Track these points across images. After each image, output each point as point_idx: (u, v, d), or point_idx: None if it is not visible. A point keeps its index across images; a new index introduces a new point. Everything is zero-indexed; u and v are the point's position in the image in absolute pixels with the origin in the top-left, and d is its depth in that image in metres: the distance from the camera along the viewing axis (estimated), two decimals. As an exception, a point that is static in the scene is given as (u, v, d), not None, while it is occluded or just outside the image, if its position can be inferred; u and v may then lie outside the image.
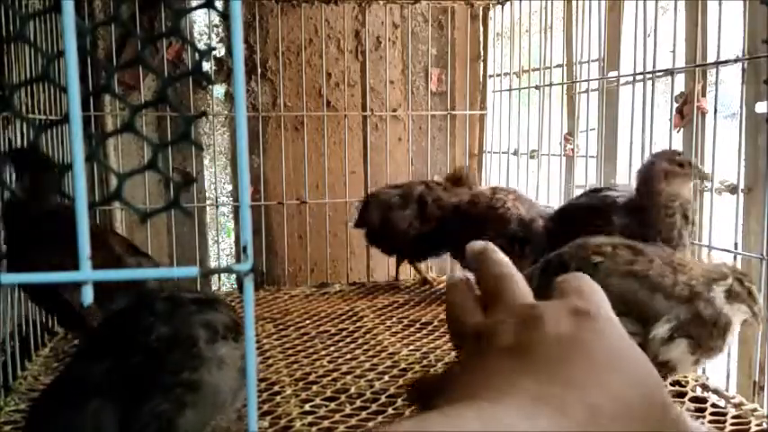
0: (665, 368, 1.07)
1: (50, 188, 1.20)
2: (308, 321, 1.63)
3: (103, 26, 1.94)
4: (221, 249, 2.07)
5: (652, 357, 1.03)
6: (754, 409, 1.12)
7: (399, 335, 1.52)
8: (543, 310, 0.35)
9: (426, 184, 1.89)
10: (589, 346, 0.32)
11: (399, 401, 1.15)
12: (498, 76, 2.16)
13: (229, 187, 2.09)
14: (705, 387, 1.22)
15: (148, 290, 1.07)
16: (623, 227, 1.27)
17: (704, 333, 1.06)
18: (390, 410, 1.12)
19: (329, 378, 1.26)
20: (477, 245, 0.42)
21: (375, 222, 1.85)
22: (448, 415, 0.28)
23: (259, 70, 2.01)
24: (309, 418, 1.09)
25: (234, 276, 1.96)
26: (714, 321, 1.06)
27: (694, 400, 1.17)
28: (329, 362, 1.34)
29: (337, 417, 1.10)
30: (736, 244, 1.22)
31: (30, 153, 1.25)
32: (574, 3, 1.79)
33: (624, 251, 1.10)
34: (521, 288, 0.39)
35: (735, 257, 1.22)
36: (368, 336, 1.51)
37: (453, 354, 1.39)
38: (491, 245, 0.42)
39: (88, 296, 0.27)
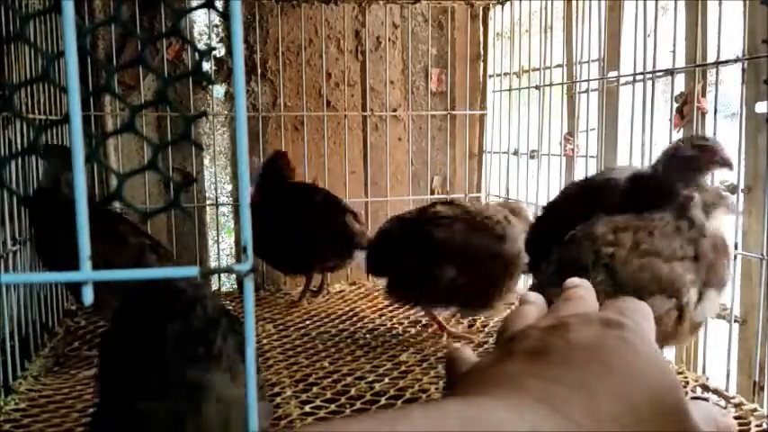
0: (700, 326, 1.11)
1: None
2: (308, 322, 1.63)
3: (103, 26, 1.94)
4: (221, 249, 2.07)
5: (690, 323, 1.07)
6: (754, 409, 1.12)
7: (400, 336, 1.52)
8: (573, 319, 0.35)
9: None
10: (609, 353, 0.32)
11: (400, 403, 1.15)
12: (498, 76, 2.16)
13: (229, 187, 2.09)
14: (705, 387, 1.22)
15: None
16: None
17: (719, 270, 1.10)
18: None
19: (329, 379, 1.26)
20: (576, 280, 0.43)
21: None
22: (427, 409, 0.28)
23: (259, 70, 2.01)
24: (310, 420, 1.09)
25: (234, 276, 1.96)
26: (718, 249, 1.09)
27: (695, 399, 1.17)
28: (329, 363, 1.34)
29: (338, 418, 1.10)
30: (736, 244, 1.21)
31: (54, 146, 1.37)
32: (574, 3, 1.78)
33: (625, 234, 1.11)
34: (581, 305, 0.40)
35: (735, 257, 1.22)
36: (368, 337, 1.51)
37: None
38: (587, 283, 0.42)
39: (88, 296, 0.27)
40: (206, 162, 2.05)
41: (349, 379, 1.25)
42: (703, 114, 1.37)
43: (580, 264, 1.08)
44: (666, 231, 1.10)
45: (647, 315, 0.38)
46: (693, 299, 1.08)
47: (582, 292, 0.41)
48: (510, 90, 2.08)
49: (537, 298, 0.42)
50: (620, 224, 1.13)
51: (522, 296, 0.43)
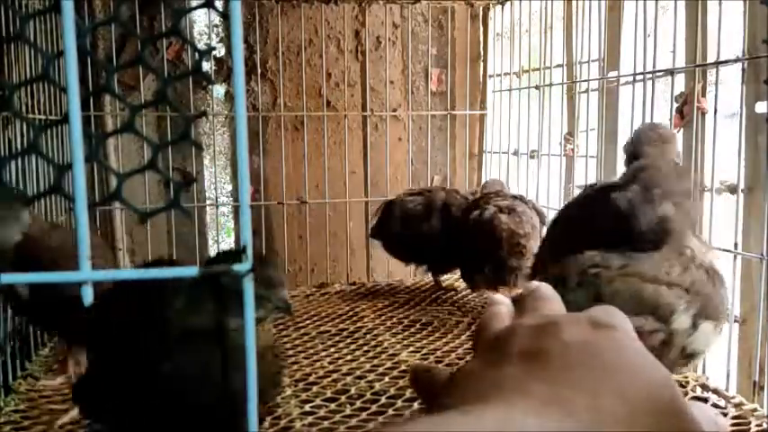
0: (693, 356, 1.07)
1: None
2: (308, 322, 1.63)
3: (103, 26, 1.94)
4: (221, 249, 2.07)
5: (680, 350, 1.04)
6: (754, 409, 1.12)
7: (400, 335, 1.52)
8: (561, 319, 0.35)
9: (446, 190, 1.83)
10: (602, 352, 0.33)
11: (400, 402, 1.15)
12: (498, 76, 2.16)
13: (229, 187, 2.09)
14: (705, 387, 1.22)
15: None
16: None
17: (715, 301, 1.06)
18: (391, 411, 1.12)
19: (329, 379, 1.26)
20: (535, 283, 0.44)
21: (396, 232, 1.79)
22: (467, 413, 0.29)
23: (259, 70, 2.01)
24: (310, 419, 1.09)
25: (234, 276, 1.95)
26: (713, 280, 1.07)
27: (694, 400, 1.17)
28: (329, 362, 1.34)
29: (338, 417, 1.10)
30: (736, 244, 1.21)
31: None
32: (574, 3, 1.78)
33: (613, 256, 1.09)
34: (553, 306, 0.40)
35: (735, 257, 1.22)
36: (368, 336, 1.51)
37: (454, 355, 1.39)
38: (547, 285, 0.43)
39: (88, 296, 0.27)
40: (206, 162, 2.05)
41: (349, 378, 1.26)
42: (703, 114, 1.37)
43: (562, 282, 1.07)
44: (655, 258, 1.08)
45: (626, 319, 0.38)
46: (684, 326, 1.04)
47: (549, 292, 0.42)
48: (510, 90, 2.08)
49: (504, 299, 0.43)
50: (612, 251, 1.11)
51: (490, 299, 0.44)
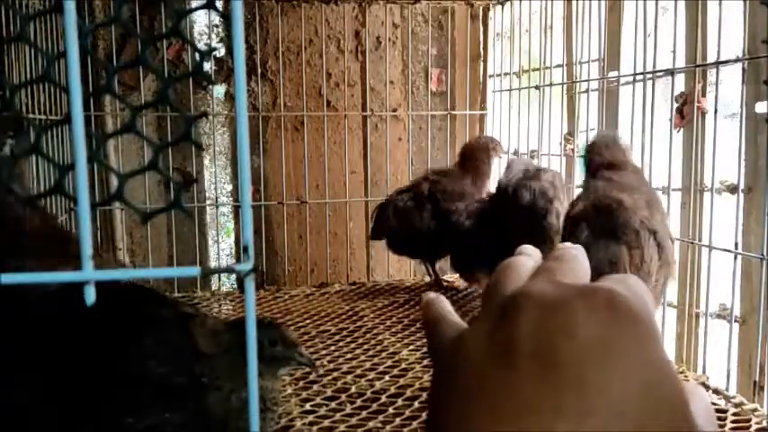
0: None
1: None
2: (308, 321, 1.63)
3: (104, 26, 1.94)
4: (221, 249, 2.07)
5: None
6: (755, 409, 1.12)
7: (399, 335, 1.52)
8: (574, 299, 0.31)
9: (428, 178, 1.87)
10: (622, 359, 0.29)
11: (400, 401, 1.16)
12: (498, 76, 2.16)
13: (229, 187, 2.09)
14: (705, 387, 1.22)
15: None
16: None
17: None
18: (391, 410, 1.12)
19: (329, 377, 1.26)
20: (569, 243, 0.40)
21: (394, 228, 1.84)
22: None
23: (259, 70, 2.01)
24: (310, 418, 1.09)
25: (234, 276, 1.96)
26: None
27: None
28: (329, 361, 1.35)
29: (338, 416, 1.10)
30: (736, 244, 1.22)
31: None
32: (574, 3, 1.79)
33: (638, 196, 1.21)
34: (576, 267, 0.36)
35: (735, 257, 1.22)
36: (368, 335, 1.52)
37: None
38: (575, 246, 0.39)
39: (90, 296, 0.27)
40: (206, 162, 2.05)
41: (349, 377, 1.26)
42: (703, 114, 1.38)
43: (632, 228, 1.17)
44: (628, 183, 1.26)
45: (647, 292, 0.35)
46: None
47: (575, 252, 0.38)
48: (510, 90, 2.08)
49: (534, 251, 0.39)
50: (623, 189, 1.24)
51: (519, 248, 0.39)
